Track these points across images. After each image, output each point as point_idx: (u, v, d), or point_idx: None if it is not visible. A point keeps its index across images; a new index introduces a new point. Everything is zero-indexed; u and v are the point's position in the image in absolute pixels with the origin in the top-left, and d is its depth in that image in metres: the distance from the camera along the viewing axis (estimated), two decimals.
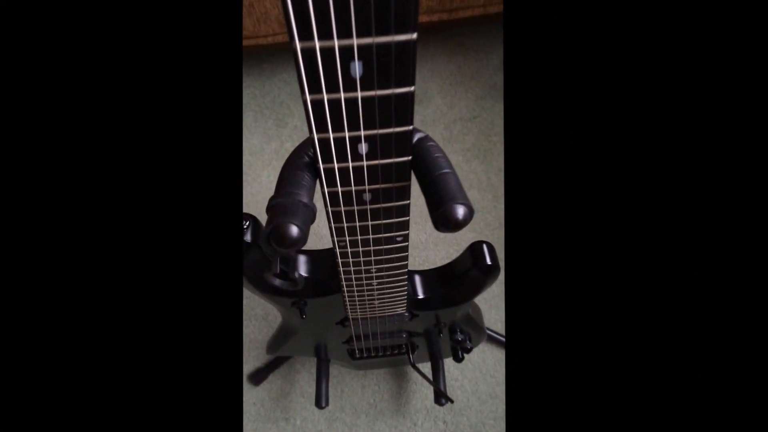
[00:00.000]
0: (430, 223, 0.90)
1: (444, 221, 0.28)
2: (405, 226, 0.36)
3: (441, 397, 0.65)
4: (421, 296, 0.52)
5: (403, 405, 0.77)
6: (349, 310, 0.50)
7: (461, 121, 1.03)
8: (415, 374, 0.77)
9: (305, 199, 0.29)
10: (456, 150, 1.00)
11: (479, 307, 0.64)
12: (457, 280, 0.50)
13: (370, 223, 0.35)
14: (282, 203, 0.29)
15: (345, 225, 0.35)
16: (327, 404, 0.66)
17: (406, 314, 0.52)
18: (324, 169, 0.29)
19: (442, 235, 0.90)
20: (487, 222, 0.91)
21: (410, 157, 0.29)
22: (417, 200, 0.96)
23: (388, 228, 0.36)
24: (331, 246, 0.39)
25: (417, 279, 0.53)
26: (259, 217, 0.43)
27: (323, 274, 0.47)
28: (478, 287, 0.50)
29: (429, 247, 0.89)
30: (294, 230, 0.27)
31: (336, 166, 0.29)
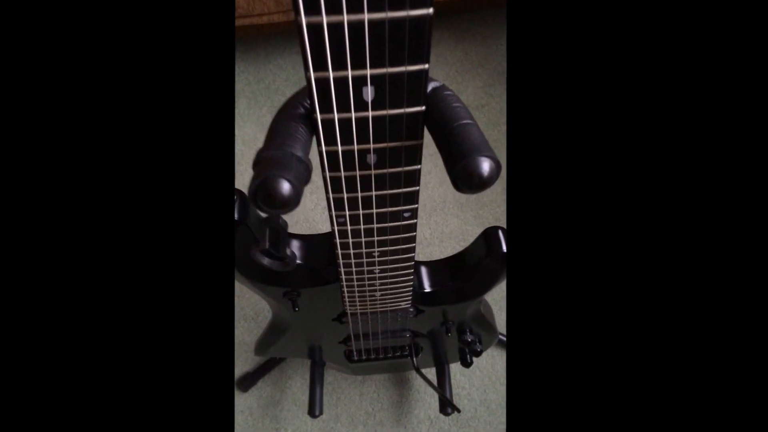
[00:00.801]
0: (434, 218, 0.87)
1: (465, 177, 0.23)
2: (414, 198, 0.32)
3: (447, 405, 0.63)
4: (428, 289, 0.49)
5: (404, 414, 0.74)
6: (347, 304, 0.46)
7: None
8: (418, 381, 0.75)
9: (299, 153, 0.25)
10: None
11: (490, 306, 0.60)
12: (469, 272, 0.47)
13: (374, 193, 0.31)
14: (272, 156, 0.24)
15: (345, 195, 0.31)
16: (321, 413, 0.64)
17: (411, 309, 0.49)
18: (322, 120, 0.26)
19: (447, 230, 0.86)
20: (496, 217, 0.88)
21: (423, 108, 0.26)
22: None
23: (395, 200, 0.32)
24: (327, 231, 0.35)
25: (424, 270, 0.50)
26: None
27: (319, 261, 0.44)
28: (492, 279, 0.47)
29: (434, 243, 0.86)
30: (285, 186, 0.23)
31: (336, 116, 0.25)
